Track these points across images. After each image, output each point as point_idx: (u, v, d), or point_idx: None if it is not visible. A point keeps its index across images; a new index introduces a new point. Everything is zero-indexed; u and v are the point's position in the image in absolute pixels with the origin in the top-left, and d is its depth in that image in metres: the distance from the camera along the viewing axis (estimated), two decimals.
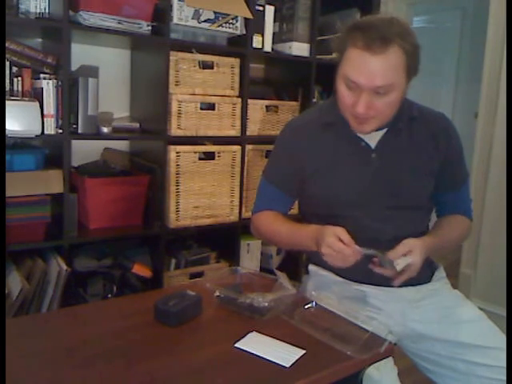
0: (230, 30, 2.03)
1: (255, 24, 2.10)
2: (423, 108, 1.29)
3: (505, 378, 1.10)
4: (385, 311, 1.20)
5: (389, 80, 1.09)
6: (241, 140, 2.12)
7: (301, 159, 1.25)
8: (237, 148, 2.10)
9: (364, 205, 1.22)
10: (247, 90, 2.11)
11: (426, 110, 1.29)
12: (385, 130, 1.23)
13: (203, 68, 2.01)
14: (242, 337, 0.95)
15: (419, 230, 1.24)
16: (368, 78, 1.08)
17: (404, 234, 1.16)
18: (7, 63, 1.71)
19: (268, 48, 2.20)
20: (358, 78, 1.09)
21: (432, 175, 1.26)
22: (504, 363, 1.12)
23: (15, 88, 1.74)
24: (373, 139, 1.22)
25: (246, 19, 2.06)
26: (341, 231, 1.10)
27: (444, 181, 1.28)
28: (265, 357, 0.89)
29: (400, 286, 1.16)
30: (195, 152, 2.01)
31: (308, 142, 1.26)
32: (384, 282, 1.15)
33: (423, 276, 1.22)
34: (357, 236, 1.21)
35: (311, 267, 1.32)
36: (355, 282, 1.23)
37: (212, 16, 1.97)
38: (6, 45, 1.69)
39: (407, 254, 1.11)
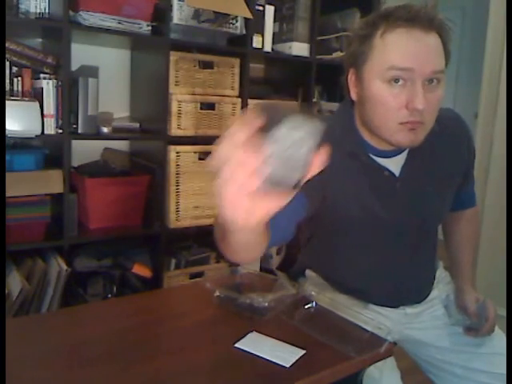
0: (230, 30, 2.03)
1: (255, 24, 2.10)
2: (438, 116, 1.00)
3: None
4: (383, 314, 1.19)
5: (442, 63, 0.89)
6: None
7: (323, 182, 0.96)
8: None
9: (389, 236, 1.11)
10: (247, 90, 2.11)
11: (441, 118, 1.00)
12: (406, 153, 1.06)
13: (203, 68, 2.01)
14: (242, 337, 0.95)
15: (435, 249, 1.23)
16: (424, 60, 0.86)
17: (426, 261, 1.20)
18: (7, 63, 1.71)
19: (268, 48, 2.20)
20: (412, 63, 0.86)
21: (454, 190, 1.16)
22: (503, 369, 1.10)
23: (15, 88, 1.74)
24: (396, 165, 1.06)
25: (246, 19, 2.05)
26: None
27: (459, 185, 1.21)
28: (265, 357, 0.89)
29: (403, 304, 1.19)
30: (195, 152, 2.01)
31: (332, 168, 0.89)
32: (383, 301, 1.17)
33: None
34: (379, 271, 1.15)
35: (309, 272, 1.28)
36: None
37: (212, 16, 1.96)
38: (6, 45, 1.69)
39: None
